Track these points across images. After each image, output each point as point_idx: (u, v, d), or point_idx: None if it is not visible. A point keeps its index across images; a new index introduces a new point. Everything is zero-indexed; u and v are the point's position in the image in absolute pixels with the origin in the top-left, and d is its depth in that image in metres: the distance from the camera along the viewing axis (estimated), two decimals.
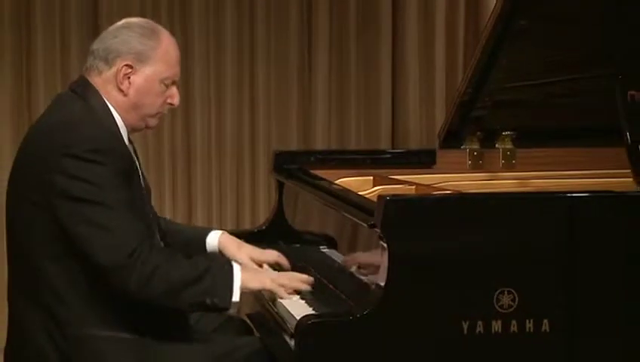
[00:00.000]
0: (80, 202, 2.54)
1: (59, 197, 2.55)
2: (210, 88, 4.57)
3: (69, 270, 2.60)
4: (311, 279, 2.75)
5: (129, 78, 2.69)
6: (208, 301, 2.60)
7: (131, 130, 2.76)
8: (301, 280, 2.75)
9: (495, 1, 3.01)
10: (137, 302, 2.58)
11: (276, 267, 2.97)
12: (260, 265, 2.95)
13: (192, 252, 2.96)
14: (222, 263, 2.74)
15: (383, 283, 2.46)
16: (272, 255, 2.99)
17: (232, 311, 2.66)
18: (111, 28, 2.76)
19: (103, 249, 2.53)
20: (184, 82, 4.43)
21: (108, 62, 2.69)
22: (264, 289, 2.72)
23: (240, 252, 2.99)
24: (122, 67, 2.68)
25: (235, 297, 2.61)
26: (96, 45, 2.73)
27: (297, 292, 2.73)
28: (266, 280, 2.71)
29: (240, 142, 4.62)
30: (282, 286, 2.70)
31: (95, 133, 2.61)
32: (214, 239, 3.03)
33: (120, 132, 2.71)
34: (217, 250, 3.02)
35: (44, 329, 2.62)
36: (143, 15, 4.31)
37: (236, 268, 2.66)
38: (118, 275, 2.53)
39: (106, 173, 2.56)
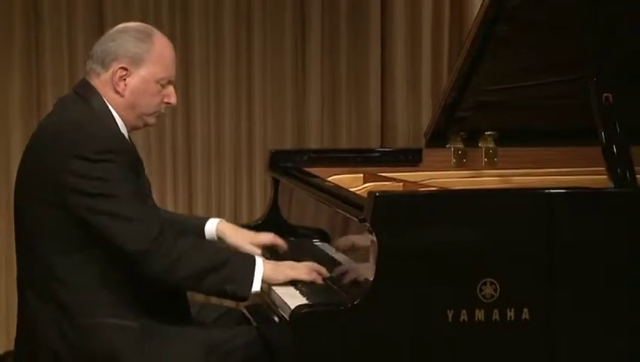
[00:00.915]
0: (97, 198, 2.55)
1: (76, 196, 2.56)
2: (209, 90, 4.57)
3: (77, 263, 2.60)
4: (324, 271, 2.76)
5: (124, 79, 2.69)
6: (229, 288, 2.62)
7: (131, 128, 2.76)
8: (319, 271, 2.76)
9: (478, 9, 3.02)
10: (162, 285, 2.59)
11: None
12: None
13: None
14: (244, 254, 2.76)
15: (372, 275, 2.47)
16: (268, 237, 3.02)
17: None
18: (109, 32, 2.77)
19: (128, 237, 2.54)
20: (185, 85, 4.43)
21: (105, 65, 2.70)
22: (286, 280, 2.72)
23: (238, 236, 3.01)
24: (118, 69, 2.69)
25: (256, 287, 2.63)
26: (96, 49, 2.74)
27: (292, 283, 2.74)
28: (288, 271, 2.73)
29: (237, 142, 4.62)
30: (298, 279, 2.73)
31: (99, 134, 2.62)
32: (212, 226, 3.05)
33: (120, 131, 2.71)
34: (215, 237, 3.03)
35: (53, 320, 2.63)
36: (145, 19, 4.32)
37: (259, 259, 2.67)
38: (145, 260, 2.55)
39: (117, 169, 2.57)
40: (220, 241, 3.05)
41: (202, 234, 3.05)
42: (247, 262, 2.66)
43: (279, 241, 3.02)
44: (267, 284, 2.70)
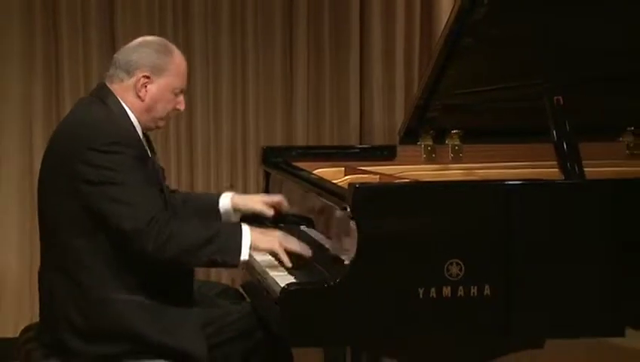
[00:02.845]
0: (104, 185, 2.54)
1: (85, 183, 2.55)
2: (208, 95, 4.57)
3: (92, 244, 2.59)
4: (310, 251, 2.71)
5: (146, 86, 2.68)
6: (219, 259, 2.58)
7: (144, 129, 2.75)
8: (303, 247, 2.71)
9: (445, 23, 3.02)
10: (156, 263, 2.56)
11: None
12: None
13: (207, 214, 2.95)
14: (233, 225, 2.71)
15: (352, 257, 2.46)
16: (277, 196, 3.01)
17: (241, 266, 2.64)
18: (132, 43, 2.75)
19: (125, 219, 2.52)
20: (187, 90, 4.40)
21: (129, 72, 2.69)
22: (272, 250, 2.67)
23: (250, 200, 2.99)
24: (141, 77, 2.68)
25: (244, 256, 2.59)
26: (119, 57, 2.72)
27: (293, 266, 2.70)
28: (274, 242, 2.67)
29: (234, 140, 4.61)
30: (287, 249, 2.66)
31: (112, 130, 2.61)
32: (227, 199, 3.02)
33: (136, 129, 2.70)
34: (230, 208, 3.00)
35: (70, 294, 2.62)
36: (150, 29, 4.31)
37: (245, 229, 2.62)
38: (138, 240, 2.52)
39: (123, 159, 2.56)
40: (233, 213, 3.01)
41: (217, 207, 3.01)
42: (235, 233, 2.60)
43: (284, 204, 3.01)
44: (254, 248, 2.63)
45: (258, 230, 2.72)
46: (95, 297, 2.60)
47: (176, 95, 2.74)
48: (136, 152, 2.61)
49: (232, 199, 3.03)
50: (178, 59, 2.73)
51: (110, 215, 2.53)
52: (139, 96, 2.68)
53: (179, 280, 2.72)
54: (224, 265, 2.63)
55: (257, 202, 3.01)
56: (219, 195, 3.06)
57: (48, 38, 4.38)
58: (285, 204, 3.04)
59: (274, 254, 2.69)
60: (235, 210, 3.02)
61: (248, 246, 2.60)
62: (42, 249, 2.74)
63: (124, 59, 2.70)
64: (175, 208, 2.90)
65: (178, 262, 2.59)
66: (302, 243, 2.72)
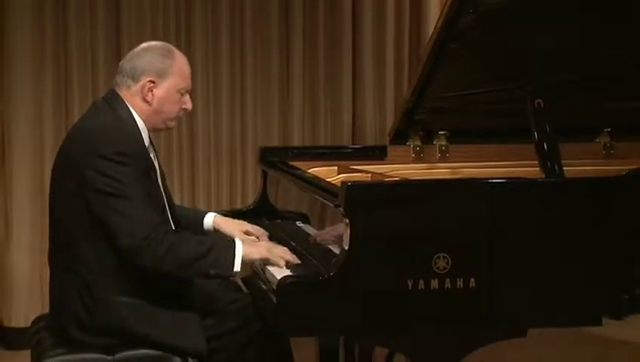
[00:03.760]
0: (107, 195, 2.52)
1: (91, 190, 2.54)
2: (209, 98, 4.57)
3: (97, 246, 2.58)
4: (297, 260, 2.71)
5: (152, 90, 2.67)
6: (212, 272, 2.57)
7: (152, 129, 2.74)
8: (290, 255, 2.72)
9: (432, 30, 3.02)
10: (153, 275, 2.56)
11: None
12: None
13: (192, 230, 2.92)
14: (226, 239, 2.69)
15: (345, 251, 2.47)
16: (257, 231, 2.93)
17: (235, 277, 2.63)
18: (135, 50, 2.73)
19: (123, 233, 2.51)
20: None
21: (135, 79, 2.67)
22: (262, 258, 2.67)
23: (230, 227, 2.95)
24: (147, 82, 2.66)
25: (237, 267, 2.59)
26: (124, 65, 2.70)
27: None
28: (264, 250, 2.67)
29: (233, 140, 4.62)
30: (276, 255, 2.67)
31: (121, 138, 2.59)
32: (209, 220, 3.00)
33: (142, 135, 2.69)
34: (212, 227, 2.98)
35: (77, 292, 2.62)
36: (155, 34, 4.31)
37: (238, 243, 2.61)
38: (136, 255, 2.51)
39: (128, 171, 2.54)
40: (215, 231, 2.98)
41: (201, 226, 2.99)
42: (229, 247, 2.59)
43: (264, 237, 2.92)
44: (246, 260, 2.62)
45: (248, 242, 2.72)
46: (99, 297, 2.59)
47: (182, 95, 2.72)
48: (142, 164, 2.59)
49: (214, 220, 2.98)
50: (180, 60, 2.72)
51: (110, 226, 2.52)
52: (146, 101, 2.67)
53: (179, 281, 2.70)
54: (218, 277, 2.63)
55: (237, 230, 2.91)
56: (204, 214, 3.02)
57: (57, 45, 4.37)
58: (265, 238, 2.94)
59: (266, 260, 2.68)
60: (216, 229, 2.99)
61: (240, 258, 2.58)
62: (52, 249, 2.73)
63: (129, 66, 2.69)
64: (178, 218, 2.88)
65: (175, 274, 2.57)
66: (287, 251, 2.70)
